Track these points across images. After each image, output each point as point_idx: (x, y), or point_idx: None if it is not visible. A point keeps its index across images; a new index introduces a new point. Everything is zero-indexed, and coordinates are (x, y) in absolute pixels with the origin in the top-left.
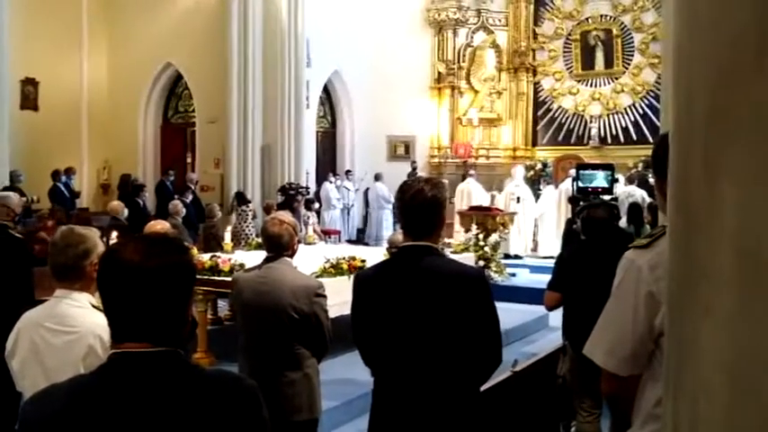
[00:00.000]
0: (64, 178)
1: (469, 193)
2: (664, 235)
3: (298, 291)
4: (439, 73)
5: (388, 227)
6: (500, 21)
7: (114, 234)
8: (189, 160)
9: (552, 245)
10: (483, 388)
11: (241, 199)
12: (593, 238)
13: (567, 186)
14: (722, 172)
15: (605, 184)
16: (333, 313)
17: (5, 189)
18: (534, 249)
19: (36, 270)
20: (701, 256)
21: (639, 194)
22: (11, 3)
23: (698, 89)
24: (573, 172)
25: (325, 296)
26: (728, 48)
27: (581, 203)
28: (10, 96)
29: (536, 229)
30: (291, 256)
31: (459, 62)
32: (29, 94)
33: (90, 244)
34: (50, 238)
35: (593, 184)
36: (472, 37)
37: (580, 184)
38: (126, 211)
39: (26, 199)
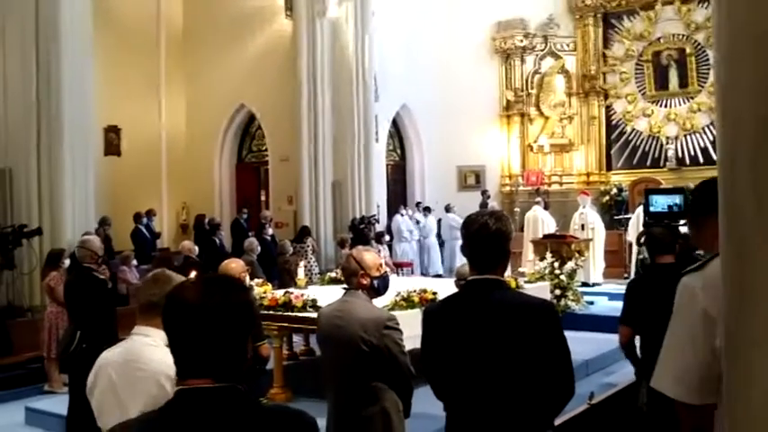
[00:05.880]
0: (145, 220)
1: (536, 221)
2: (716, 257)
3: (367, 323)
4: (507, 101)
5: (461, 257)
6: (568, 45)
7: (193, 273)
8: (263, 198)
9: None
10: (558, 422)
11: (302, 234)
12: (657, 265)
13: (641, 212)
14: None
15: (678, 209)
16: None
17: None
18: (606, 276)
19: (119, 310)
20: (753, 285)
21: None
22: (94, 56)
23: (745, 110)
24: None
25: (396, 329)
26: None
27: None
28: (95, 144)
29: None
30: (364, 288)
31: (527, 89)
32: (112, 141)
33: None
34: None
35: (665, 209)
36: (540, 63)
37: (651, 210)
38: (197, 250)
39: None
